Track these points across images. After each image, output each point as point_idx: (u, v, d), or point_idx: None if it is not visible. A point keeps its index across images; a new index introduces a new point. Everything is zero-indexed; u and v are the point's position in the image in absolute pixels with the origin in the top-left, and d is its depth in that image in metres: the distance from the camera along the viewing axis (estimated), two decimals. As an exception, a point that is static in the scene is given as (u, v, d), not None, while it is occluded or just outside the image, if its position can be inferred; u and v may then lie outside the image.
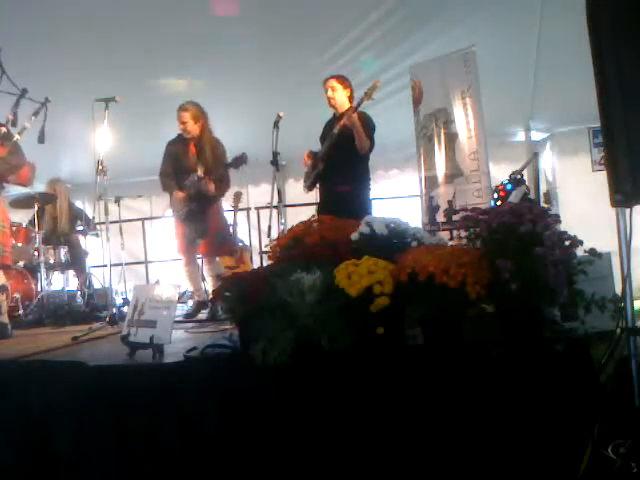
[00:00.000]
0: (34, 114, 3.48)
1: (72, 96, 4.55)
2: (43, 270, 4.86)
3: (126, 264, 5.76)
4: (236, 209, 5.54)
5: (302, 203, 5.06)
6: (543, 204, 5.41)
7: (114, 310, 3.90)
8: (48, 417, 2.08)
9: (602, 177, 1.77)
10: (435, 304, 1.81)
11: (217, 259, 4.34)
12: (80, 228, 5.71)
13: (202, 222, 3.98)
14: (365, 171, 4.00)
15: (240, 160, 3.77)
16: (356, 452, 1.84)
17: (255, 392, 1.94)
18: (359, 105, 3.77)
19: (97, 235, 5.66)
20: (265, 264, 3.96)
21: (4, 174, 3.42)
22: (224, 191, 4.09)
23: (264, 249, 5.33)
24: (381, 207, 5.84)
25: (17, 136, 3.37)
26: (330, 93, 3.96)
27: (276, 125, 3.92)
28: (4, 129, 3.33)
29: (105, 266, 4.34)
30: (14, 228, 4.77)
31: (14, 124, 3.34)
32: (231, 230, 4.41)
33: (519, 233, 1.82)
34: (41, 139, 3.57)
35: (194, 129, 3.93)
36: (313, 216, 2.86)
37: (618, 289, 1.90)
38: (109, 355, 2.47)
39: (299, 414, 1.89)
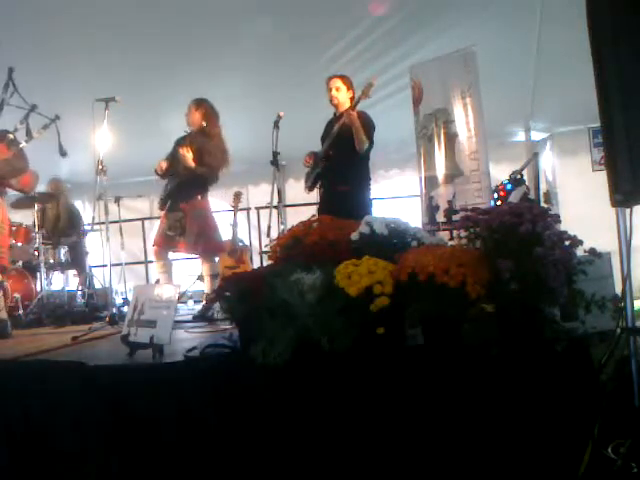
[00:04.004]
0: (43, 128, 3.60)
1: (72, 96, 4.55)
2: (43, 270, 4.86)
3: (126, 264, 5.76)
4: (236, 209, 5.55)
5: (302, 203, 5.06)
6: (543, 204, 5.41)
7: (114, 310, 3.90)
8: (48, 417, 2.07)
9: (602, 177, 1.77)
10: (435, 304, 1.81)
11: (216, 259, 4.35)
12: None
13: (180, 218, 3.99)
14: (365, 171, 4.00)
15: None
16: (356, 452, 1.84)
17: (255, 392, 1.93)
18: (357, 103, 3.78)
19: (86, 234, 5.67)
20: (265, 264, 3.97)
21: (7, 176, 3.51)
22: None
23: (264, 249, 5.34)
24: (381, 207, 5.85)
25: (23, 143, 3.46)
26: (335, 92, 3.96)
27: (276, 125, 3.92)
28: (11, 135, 3.43)
29: (105, 266, 4.34)
30: (14, 228, 4.77)
31: (28, 135, 3.46)
32: (218, 231, 4.27)
33: (519, 233, 1.82)
34: (62, 152, 3.74)
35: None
36: (313, 216, 2.86)
37: (618, 289, 1.90)
38: (109, 355, 2.46)
39: (299, 414, 1.89)
